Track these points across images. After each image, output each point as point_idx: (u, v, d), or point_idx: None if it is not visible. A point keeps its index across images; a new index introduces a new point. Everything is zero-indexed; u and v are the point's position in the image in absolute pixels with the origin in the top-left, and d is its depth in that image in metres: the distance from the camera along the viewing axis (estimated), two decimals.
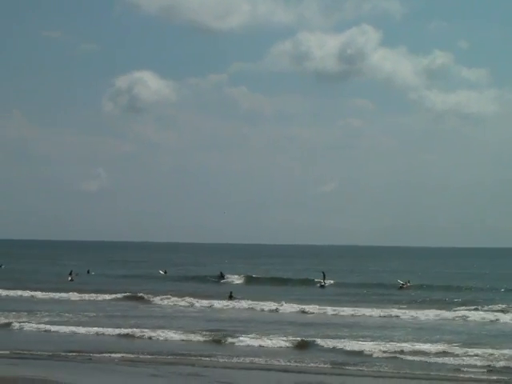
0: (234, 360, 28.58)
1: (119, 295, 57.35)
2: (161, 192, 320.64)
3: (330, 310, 47.52)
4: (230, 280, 77.48)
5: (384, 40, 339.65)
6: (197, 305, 51.69)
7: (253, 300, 52.89)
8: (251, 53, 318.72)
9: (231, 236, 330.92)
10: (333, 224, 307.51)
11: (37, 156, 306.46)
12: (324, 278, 73.98)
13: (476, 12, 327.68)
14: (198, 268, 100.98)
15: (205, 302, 52.35)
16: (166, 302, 53.78)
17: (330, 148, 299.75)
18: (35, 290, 59.95)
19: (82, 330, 36.62)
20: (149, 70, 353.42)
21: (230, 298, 56.28)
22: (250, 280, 78.12)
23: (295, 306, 49.43)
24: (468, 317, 44.22)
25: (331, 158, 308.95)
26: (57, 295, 57.36)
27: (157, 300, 54.30)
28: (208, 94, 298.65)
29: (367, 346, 31.31)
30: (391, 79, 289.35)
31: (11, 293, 58.93)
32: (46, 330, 36.76)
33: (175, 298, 54.50)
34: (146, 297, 55.77)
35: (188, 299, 53.60)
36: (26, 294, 58.63)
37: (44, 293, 58.65)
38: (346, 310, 47.16)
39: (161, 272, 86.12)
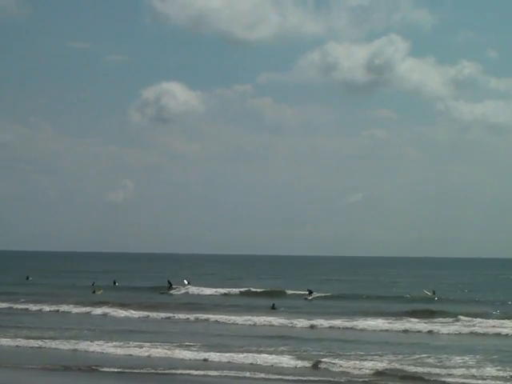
0: None
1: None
2: (186, 203, 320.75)
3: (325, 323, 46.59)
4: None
5: (412, 50, 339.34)
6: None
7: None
8: (279, 63, 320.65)
9: (257, 247, 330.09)
10: (359, 235, 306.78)
11: (64, 167, 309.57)
12: (310, 294, 71.84)
13: (505, 22, 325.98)
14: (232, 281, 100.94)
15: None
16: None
17: (355, 159, 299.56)
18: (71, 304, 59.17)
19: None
20: (177, 80, 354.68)
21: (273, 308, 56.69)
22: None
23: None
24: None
25: (356, 169, 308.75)
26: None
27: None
28: (233, 105, 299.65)
29: None
30: (419, 90, 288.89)
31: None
32: None
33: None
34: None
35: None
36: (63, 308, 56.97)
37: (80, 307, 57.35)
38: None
39: (185, 282, 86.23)
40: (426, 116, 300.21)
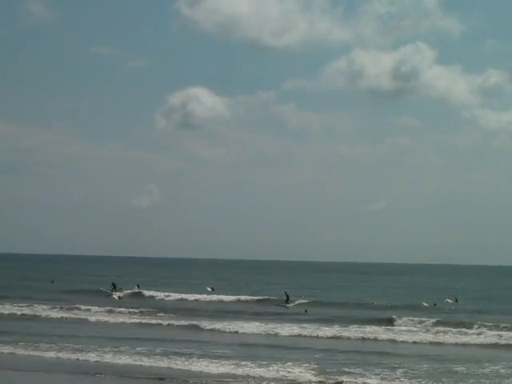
0: None
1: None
2: (210, 208, 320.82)
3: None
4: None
5: (439, 58, 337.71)
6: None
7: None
8: (305, 70, 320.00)
9: (280, 253, 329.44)
10: (382, 242, 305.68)
11: (88, 172, 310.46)
12: (287, 300, 71.33)
13: None
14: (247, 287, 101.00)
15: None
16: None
17: (379, 166, 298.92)
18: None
19: None
20: (203, 86, 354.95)
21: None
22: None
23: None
24: None
25: (380, 176, 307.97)
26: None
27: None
28: (257, 111, 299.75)
29: None
30: (444, 97, 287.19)
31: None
32: None
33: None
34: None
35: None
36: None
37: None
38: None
39: (208, 289, 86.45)
40: (451, 124, 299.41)
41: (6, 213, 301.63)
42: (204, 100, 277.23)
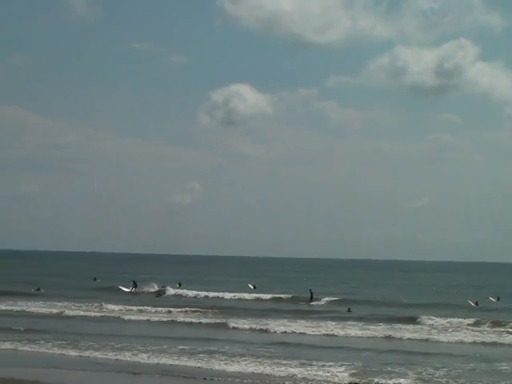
0: None
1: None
2: (250, 205, 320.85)
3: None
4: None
5: (482, 54, 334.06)
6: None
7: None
8: (347, 67, 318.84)
9: (318, 250, 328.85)
10: (424, 239, 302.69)
11: (131, 168, 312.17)
12: (311, 297, 71.12)
13: None
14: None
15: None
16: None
17: (420, 162, 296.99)
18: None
19: None
20: (246, 82, 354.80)
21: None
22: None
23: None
24: None
25: (421, 173, 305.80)
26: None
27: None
28: (299, 108, 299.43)
29: None
30: (487, 94, 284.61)
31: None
32: None
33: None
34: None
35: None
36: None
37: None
38: None
39: (250, 286, 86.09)
40: (493, 120, 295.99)
41: (46, 209, 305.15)
42: (246, 97, 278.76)
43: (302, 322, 51.13)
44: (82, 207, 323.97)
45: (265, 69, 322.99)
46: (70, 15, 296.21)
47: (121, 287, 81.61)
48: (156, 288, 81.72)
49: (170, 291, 79.79)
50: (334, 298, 72.21)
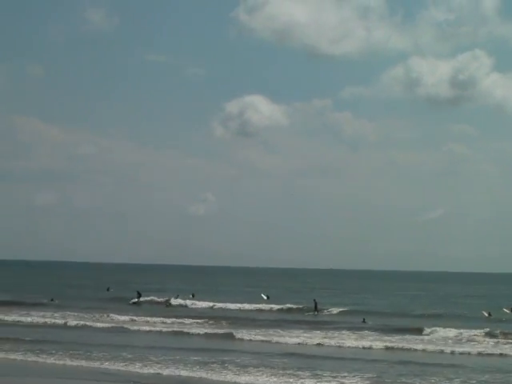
0: None
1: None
2: (264, 215, 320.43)
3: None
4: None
5: (497, 65, 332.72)
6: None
7: None
8: (362, 78, 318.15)
9: (332, 261, 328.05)
10: (438, 251, 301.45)
11: (146, 179, 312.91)
12: (316, 307, 70.53)
13: None
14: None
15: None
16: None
17: (435, 174, 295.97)
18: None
19: None
20: (260, 94, 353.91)
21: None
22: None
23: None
24: None
25: (436, 184, 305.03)
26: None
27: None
28: (313, 119, 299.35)
29: None
30: (502, 105, 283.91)
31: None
32: None
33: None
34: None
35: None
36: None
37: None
38: None
39: (263, 296, 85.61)
40: (508, 132, 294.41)
41: (64, 218, 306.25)
42: (261, 108, 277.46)
43: (317, 332, 50.90)
44: (97, 218, 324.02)
45: (279, 80, 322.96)
46: (87, 27, 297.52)
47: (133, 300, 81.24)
48: (165, 298, 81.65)
49: (179, 301, 79.44)
50: (345, 309, 71.81)
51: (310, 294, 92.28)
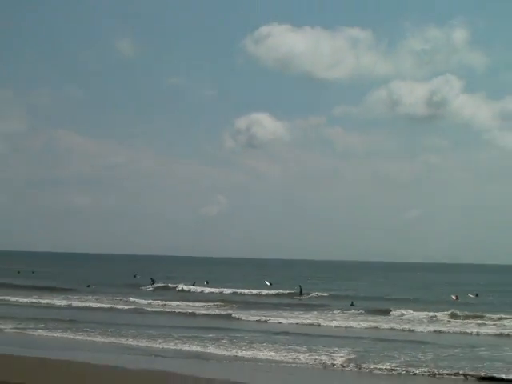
0: None
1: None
2: (268, 215, 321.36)
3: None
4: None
5: (466, 88, 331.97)
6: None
7: None
8: (351, 98, 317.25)
9: (325, 253, 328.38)
10: (416, 244, 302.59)
11: (166, 184, 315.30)
12: (301, 292, 70.39)
13: None
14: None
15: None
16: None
17: (413, 180, 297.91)
18: None
19: None
20: (265, 112, 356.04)
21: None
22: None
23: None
24: None
25: (413, 189, 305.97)
26: None
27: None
28: (309, 134, 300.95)
29: None
30: (470, 121, 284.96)
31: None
32: None
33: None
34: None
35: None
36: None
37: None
38: None
39: (267, 283, 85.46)
40: (474, 144, 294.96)
41: (95, 217, 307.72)
42: (265, 123, 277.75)
43: (315, 313, 51.16)
44: (125, 217, 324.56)
45: (281, 100, 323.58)
46: (117, 55, 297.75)
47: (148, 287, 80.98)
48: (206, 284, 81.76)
49: (193, 287, 79.13)
50: (336, 293, 71.56)
51: (305, 281, 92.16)
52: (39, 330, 37.46)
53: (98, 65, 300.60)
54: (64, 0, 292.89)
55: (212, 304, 58.63)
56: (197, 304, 58.46)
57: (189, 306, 57.14)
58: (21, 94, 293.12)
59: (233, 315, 48.99)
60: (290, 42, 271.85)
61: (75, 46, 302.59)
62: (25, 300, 59.25)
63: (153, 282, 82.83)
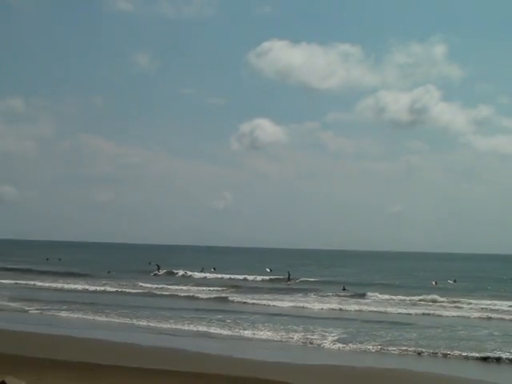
0: None
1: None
2: (268, 209, 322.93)
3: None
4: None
5: (444, 97, 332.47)
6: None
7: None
8: (342, 106, 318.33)
9: (318, 243, 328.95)
10: (398, 236, 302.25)
11: (178, 182, 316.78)
12: (289, 278, 68.99)
13: None
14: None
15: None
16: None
17: (396, 179, 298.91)
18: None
19: None
20: (266, 117, 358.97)
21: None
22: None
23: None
24: None
25: (396, 187, 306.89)
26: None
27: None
28: (305, 137, 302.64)
29: None
30: (447, 127, 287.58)
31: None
32: None
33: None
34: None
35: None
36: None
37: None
38: None
39: (267, 270, 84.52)
40: (450, 147, 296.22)
41: (115, 212, 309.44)
42: (266, 128, 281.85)
43: (312, 296, 50.83)
44: (142, 211, 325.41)
45: (280, 107, 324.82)
46: (135, 68, 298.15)
47: (154, 272, 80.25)
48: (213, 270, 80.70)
49: (199, 274, 77.76)
50: (310, 279, 70.49)
51: (297, 268, 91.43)
52: (62, 312, 36.98)
53: (119, 77, 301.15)
54: (91, 22, 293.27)
55: (213, 289, 57.85)
56: (205, 288, 57.95)
57: (201, 290, 56.54)
58: (50, 102, 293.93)
59: (229, 298, 48.57)
60: (288, 56, 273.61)
61: (98, 60, 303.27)
62: (50, 284, 58.72)
63: (158, 268, 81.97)
